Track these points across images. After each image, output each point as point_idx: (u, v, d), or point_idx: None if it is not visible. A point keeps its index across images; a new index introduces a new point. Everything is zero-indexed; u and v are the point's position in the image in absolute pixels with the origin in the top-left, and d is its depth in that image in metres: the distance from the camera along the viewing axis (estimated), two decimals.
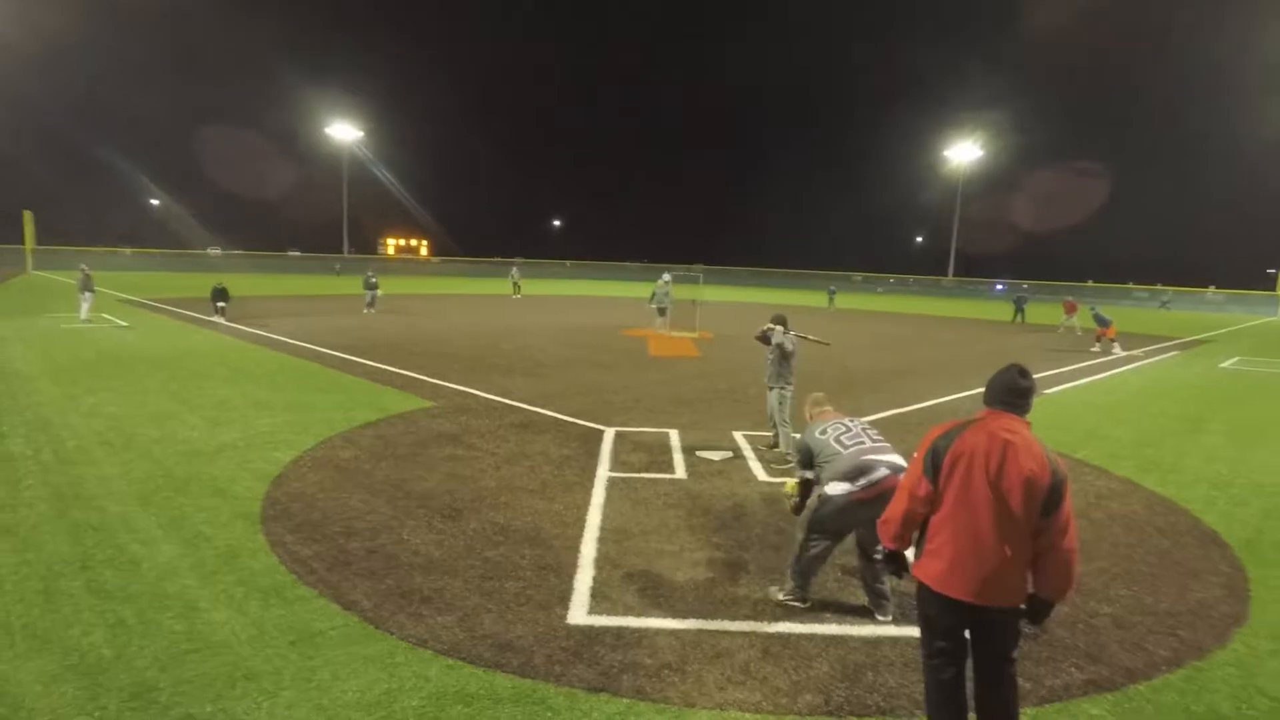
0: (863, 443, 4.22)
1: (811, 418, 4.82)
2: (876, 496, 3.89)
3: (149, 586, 4.18)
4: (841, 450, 4.20)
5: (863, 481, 4.05)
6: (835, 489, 4.10)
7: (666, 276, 21.36)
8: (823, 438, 4.32)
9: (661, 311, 20.43)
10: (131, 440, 7.25)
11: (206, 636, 3.65)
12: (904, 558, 2.99)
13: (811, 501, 4.36)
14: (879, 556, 3.97)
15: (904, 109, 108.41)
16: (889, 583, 4.19)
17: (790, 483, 4.58)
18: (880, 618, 4.09)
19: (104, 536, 4.87)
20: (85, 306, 18.06)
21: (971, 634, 2.73)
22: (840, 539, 4.22)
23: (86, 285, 18.20)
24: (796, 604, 4.22)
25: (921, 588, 2.77)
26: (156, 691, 3.19)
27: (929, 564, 2.71)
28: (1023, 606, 2.68)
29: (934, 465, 2.66)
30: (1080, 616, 4.20)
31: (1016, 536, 2.59)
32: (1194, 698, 3.43)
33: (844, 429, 4.36)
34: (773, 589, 4.36)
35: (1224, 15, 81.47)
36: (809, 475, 4.36)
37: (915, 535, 2.84)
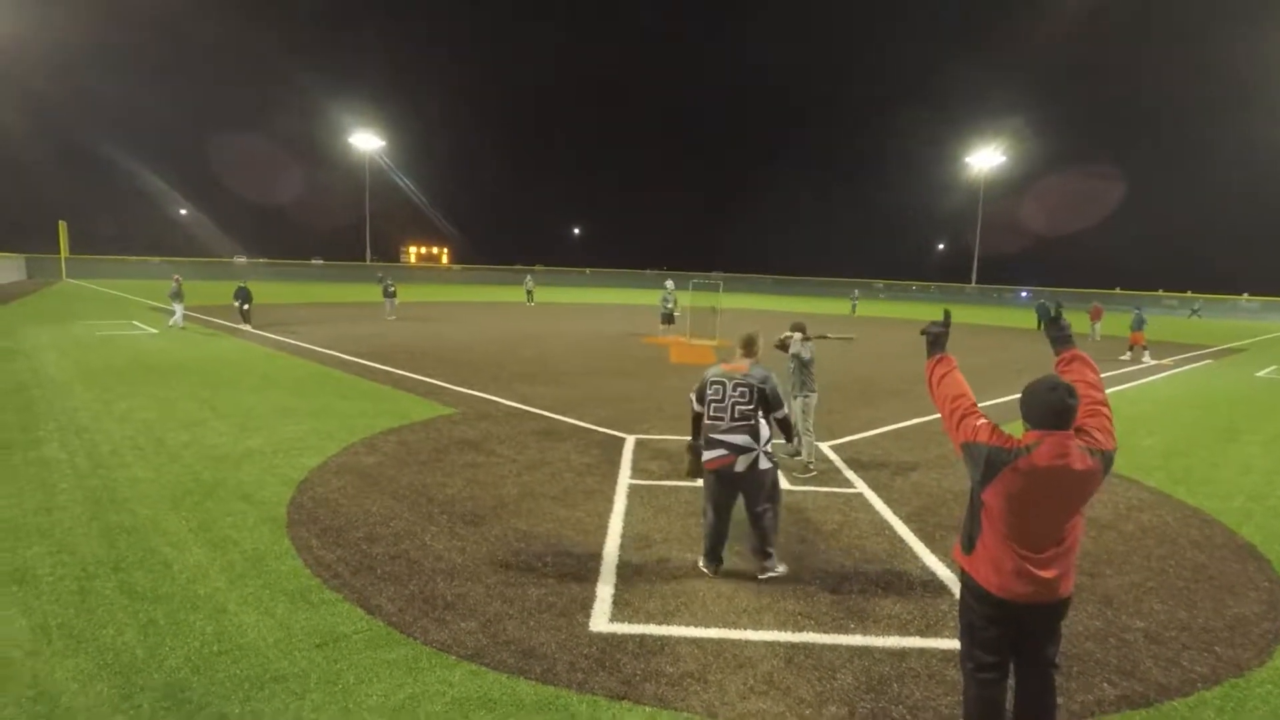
0: (721, 419, 4.46)
1: (737, 353, 4.82)
2: (718, 470, 4.46)
3: (179, 589, 4.26)
4: (706, 418, 4.54)
5: (708, 455, 4.50)
6: (703, 453, 4.56)
7: (669, 284, 22.47)
8: (709, 391, 4.54)
9: (667, 319, 21.25)
10: (162, 445, 7.41)
11: (235, 638, 3.71)
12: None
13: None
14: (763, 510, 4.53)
15: (926, 115, 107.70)
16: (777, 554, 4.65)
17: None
18: (759, 576, 4.58)
19: (136, 539, 4.98)
20: (179, 314, 18.94)
21: (1018, 640, 2.72)
22: (716, 504, 4.56)
23: (178, 295, 19.19)
24: (705, 571, 4.65)
25: (972, 596, 2.74)
26: (188, 691, 3.25)
27: (986, 571, 2.67)
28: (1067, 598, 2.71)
29: (987, 471, 2.60)
30: (1112, 631, 4.11)
31: (1074, 534, 2.64)
32: (1232, 716, 3.34)
33: (719, 394, 4.50)
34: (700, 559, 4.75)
35: (1257, 16, 79.75)
36: (698, 409, 4.63)
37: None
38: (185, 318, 19.36)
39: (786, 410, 4.61)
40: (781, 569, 4.65)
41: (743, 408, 4.44)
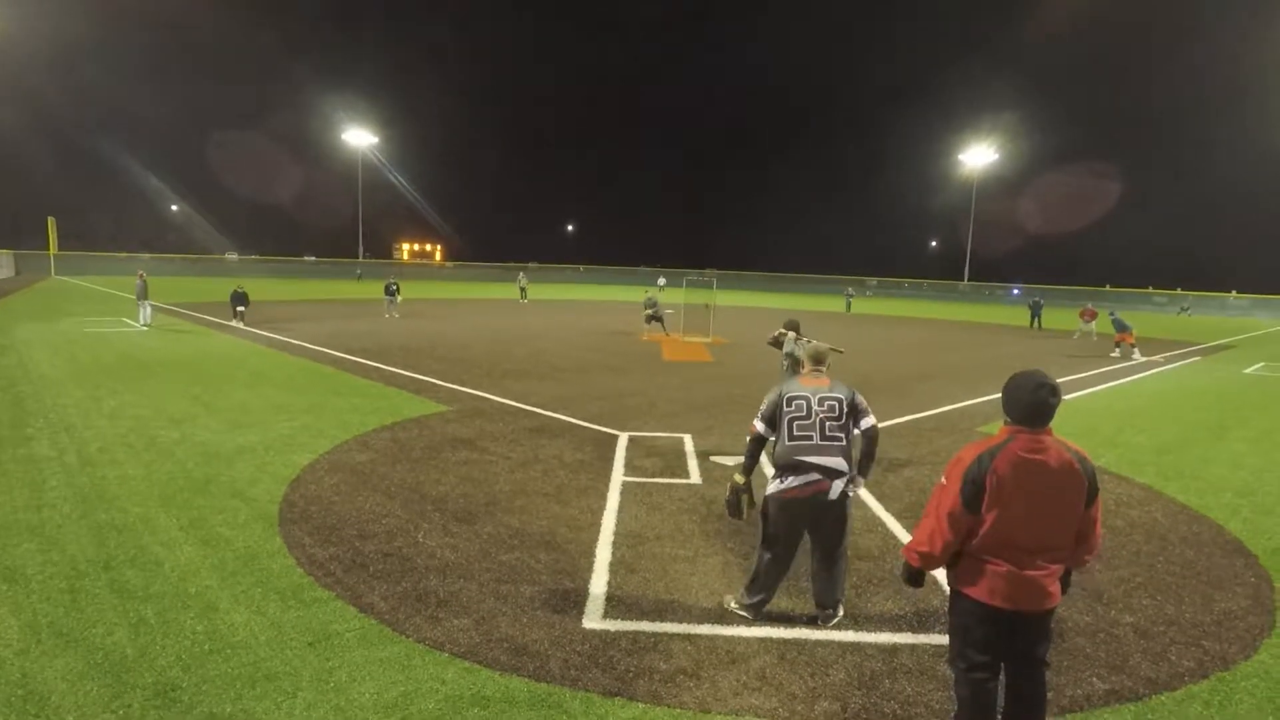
0: (808, 438, 3.90)
1: (806, 367, 4.31)
2: (806, 499, 3.87)
3: (170, 587, 4.24)
4: (785, 439, 3.93)
5: (792, 482, 3.89)
6: (769, 485, 3.99)
7: (661, 280, 21.60)
8: (788, 407, 3.96)
9: (651, 319, 20.37)
10: (153, 442, 7.36)
11: (227, 637, 3.69)
12: (923, 573, 2.95)
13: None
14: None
15: (919, 111, 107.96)
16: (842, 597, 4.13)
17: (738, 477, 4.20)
18: (823, 624, 4.03)
19: (126, 537, 4.95)
20: (146, 312, 18.52)
21: (1009, 641, 2.74)
22: (788, 546, 3.99)
23: (143, 293, 18.71)
24: (744, 616, 4.07)
25: (964, 601, 2.76)
26: (179, 691, 3.23)
27: (978, 580, 2.69)
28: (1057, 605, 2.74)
29: (975, 495, 2.62)
30: (1102, 626, 4.14)
31: (1064, 542, 2.67)
32: (1218, 709, 3.37)
33: (803, 410, 3.93)
34: (728, 596, 4.29)
35: (1249, 13, 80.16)
36: (761, 432, 4.06)
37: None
38: (154, 312, 18.99)
39: (874, 419, 4.08)
40: (840, 613, 4.14)
41: (833, 425, 3.91)
